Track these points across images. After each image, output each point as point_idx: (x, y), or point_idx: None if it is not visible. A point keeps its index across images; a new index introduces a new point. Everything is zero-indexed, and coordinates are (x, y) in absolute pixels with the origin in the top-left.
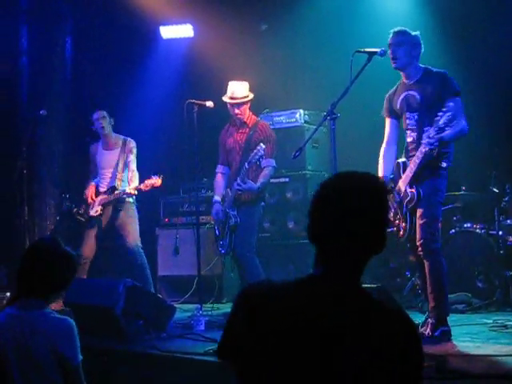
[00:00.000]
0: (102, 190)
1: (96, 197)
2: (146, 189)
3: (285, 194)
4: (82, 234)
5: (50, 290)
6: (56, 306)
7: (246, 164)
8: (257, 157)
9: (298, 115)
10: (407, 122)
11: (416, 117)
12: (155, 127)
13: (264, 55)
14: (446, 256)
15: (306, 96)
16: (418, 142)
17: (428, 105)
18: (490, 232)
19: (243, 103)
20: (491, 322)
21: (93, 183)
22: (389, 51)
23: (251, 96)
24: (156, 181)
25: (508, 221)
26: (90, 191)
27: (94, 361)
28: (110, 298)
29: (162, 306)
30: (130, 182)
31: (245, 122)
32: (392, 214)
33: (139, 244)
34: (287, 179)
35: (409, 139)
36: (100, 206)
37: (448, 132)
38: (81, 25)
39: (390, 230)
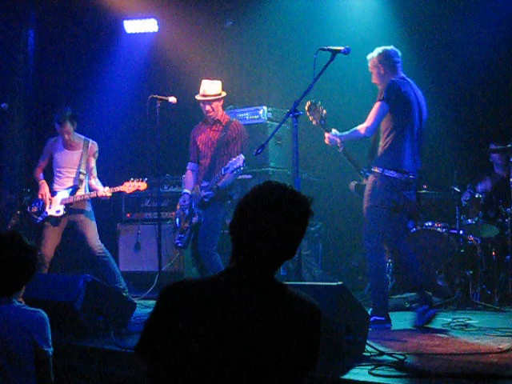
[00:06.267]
0: (57, 189)
1: (52, 196)
2: (129, 191)
3: (247, 190)
4: (41, 233)
5: (13, 283)
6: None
7: (223, 170)
8: (236, 166)
9: (261, 112)
10: None
11: None
12: (118, 122)
13: (228, 52)
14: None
15: (269, 93)
16: None
17: None
18: (451, 231)
19: (214, 100)
20: (451, 320)
21: (43, 180)
22: None
23: (223, 94)
24: (142, 184)
25: (469, 220)
26: (45, 189)
27: (55, 356)
28: (70, 293)
29: (123, 301)
30: (93, 187)
31: (218, 120)
32: None
33: (99, 241)
34: (250, 176)
35: None
36: (63, 206)
37: None
38: (44, 18)
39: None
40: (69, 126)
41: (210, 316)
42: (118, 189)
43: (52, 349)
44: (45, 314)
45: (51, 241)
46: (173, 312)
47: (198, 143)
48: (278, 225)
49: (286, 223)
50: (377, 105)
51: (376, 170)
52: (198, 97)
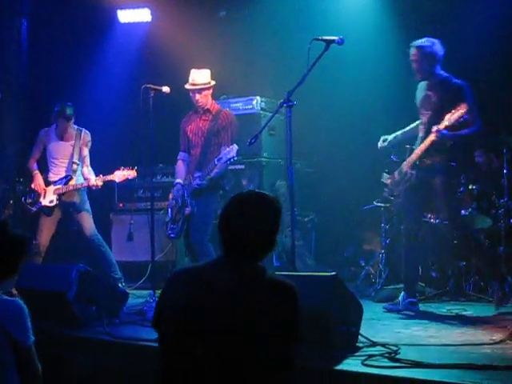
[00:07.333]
0: (52, 179)
1: (46, 186)
2: (119, 180)
3: (240, 180)
4: (37, 223)
5: (1, 274)
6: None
7: (216, 160)
8: (229, 156)
9: (254, 102)
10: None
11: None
12: (111, 111)
13: (222, 41)
14: (401, 246)
15: (263, 83)
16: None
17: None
18: (445, 222)
19: (204, 89)
20: (445, 311)
21: (37, 171)
22: None
23: (213, 83)
24: (131, 172)
25: (462, 211)
26: (39, 180)
27: (47, 346)
28: (63, 283)
29: (115, 291)
30: (85, 176)
31: (208, 109)
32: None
33: (96, 231)
34: (243, 166)
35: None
36: (55, 196)
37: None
38: (37, 7)
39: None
40: (72, 122)
41: (199, 296)
42: (108, 178)
43: (32, 338)
44: (21, 304)
45: (47, 230)
46: (172, 293)
47: (189, 133)
48: (250, 225)
49: (258, 223)
50: (473, 105)
51: (451, 164)
52: (187, 86)
